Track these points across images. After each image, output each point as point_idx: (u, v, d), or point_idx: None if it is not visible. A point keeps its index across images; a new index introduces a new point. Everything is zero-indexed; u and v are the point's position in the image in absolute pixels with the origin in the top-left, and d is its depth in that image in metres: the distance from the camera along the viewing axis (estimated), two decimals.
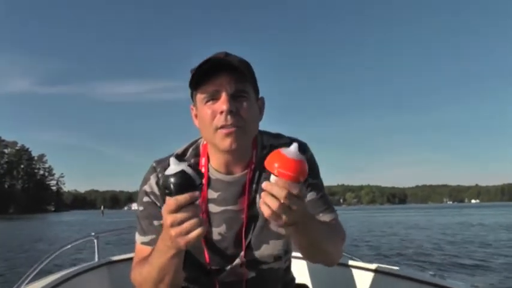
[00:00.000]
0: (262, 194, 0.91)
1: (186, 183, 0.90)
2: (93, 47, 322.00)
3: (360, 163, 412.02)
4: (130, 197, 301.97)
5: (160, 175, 1.24)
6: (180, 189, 0.90)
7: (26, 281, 1.63)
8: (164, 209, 0.93)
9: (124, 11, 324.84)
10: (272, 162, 0.89)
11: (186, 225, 0.91)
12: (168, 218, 0.92)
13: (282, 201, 0.88)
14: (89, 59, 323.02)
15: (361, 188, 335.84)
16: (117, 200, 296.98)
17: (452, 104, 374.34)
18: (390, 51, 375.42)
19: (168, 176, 0.90)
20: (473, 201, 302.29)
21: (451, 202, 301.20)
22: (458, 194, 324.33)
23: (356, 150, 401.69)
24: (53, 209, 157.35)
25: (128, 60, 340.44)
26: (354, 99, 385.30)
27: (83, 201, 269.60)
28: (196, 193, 0.92)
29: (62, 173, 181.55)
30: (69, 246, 2.21)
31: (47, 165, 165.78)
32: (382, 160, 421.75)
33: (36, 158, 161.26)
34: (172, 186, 0.90)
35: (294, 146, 0.90)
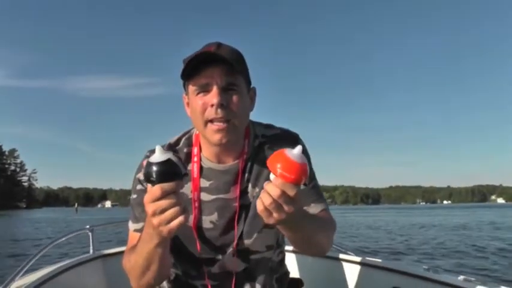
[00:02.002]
0: (262, 191, 0.91)
1: (172, 171, 0.89)
2: (67, 40, 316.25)
3: (334, 163, 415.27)
4: (104, 195, 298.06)
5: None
6: (165, 177, 0.89)
7: (20, 274, 1.61)
8: (147, 198, 0.92)
9: (99, 5, 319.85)
10: (275, 163, 0.88)
11: (169, 213, 0.91)
12: (150, 207, 0.91)
13: (275, 199, 0.88)
14: (62, 53, 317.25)
15: (335, 188, 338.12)
16: (90, 198, 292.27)
17: (427, 106, 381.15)
18: (366, 51, 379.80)
19: (153, 164, 0.89)
20: (445, 202, 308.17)
21: (423, 203, 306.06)
22: (430, 195, 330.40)
23: (330, 150, 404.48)
24: (24, 206, 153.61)
25: (102, 55, 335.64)
26: (328, 98, 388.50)
27: (55, 198, 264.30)
28: (182, 182, 0.92)
29: (34, 169, 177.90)
30: (63, 239, 2.19)
31: (18, 161, 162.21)
32: (356, 161, 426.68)
33: (7, 152, 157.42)
34: (157, 174, 0.88)
35: (298, 148, 0.89)
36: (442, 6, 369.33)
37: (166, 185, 0.89)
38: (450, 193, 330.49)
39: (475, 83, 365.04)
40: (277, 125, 1.35)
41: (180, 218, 0.91)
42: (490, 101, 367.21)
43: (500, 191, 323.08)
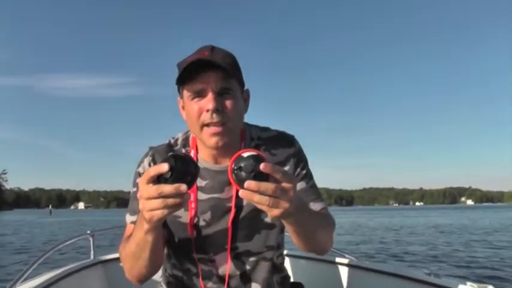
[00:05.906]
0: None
1: (191, 173, 0.87)
2: (42, 37, 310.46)
3: None
4: (77, 196, 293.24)
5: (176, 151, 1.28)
6: (184, 175, 0.86)
7: (21, 279, 1.61)
8: (148, 181, 0.89)
9: (78, 1, 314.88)
10: None
11: (161, 202, 0.88)
12: (151, 190, 0.88)
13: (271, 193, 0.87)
14: (36, 50, 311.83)
15: None
16: (63, 199, 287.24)
17: (398, 109, 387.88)
18: (345, 52, 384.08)
19: (190, 160, 0.88)
20: (417, 203, 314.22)
21: (396, 204, 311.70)
22: (403, 197, 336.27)
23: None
24: None
25: (79, 53, 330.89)
26: (303, 98, 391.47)
27: (26, 200, 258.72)
28: (185, 189, 0.86)
29: (4, 170, 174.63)
30: (64, 244, 2.16)
31: None
32: (330, 163, 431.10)
33: None
34: (182, 169, 0.85)
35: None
36: None
37: (183, 186, 0.85)
38: (422, 195, 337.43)
39: (450, 88, 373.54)
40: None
41: (166, 210, 0.89)
42: (462, 105, 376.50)
43: (470, 192, 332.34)
